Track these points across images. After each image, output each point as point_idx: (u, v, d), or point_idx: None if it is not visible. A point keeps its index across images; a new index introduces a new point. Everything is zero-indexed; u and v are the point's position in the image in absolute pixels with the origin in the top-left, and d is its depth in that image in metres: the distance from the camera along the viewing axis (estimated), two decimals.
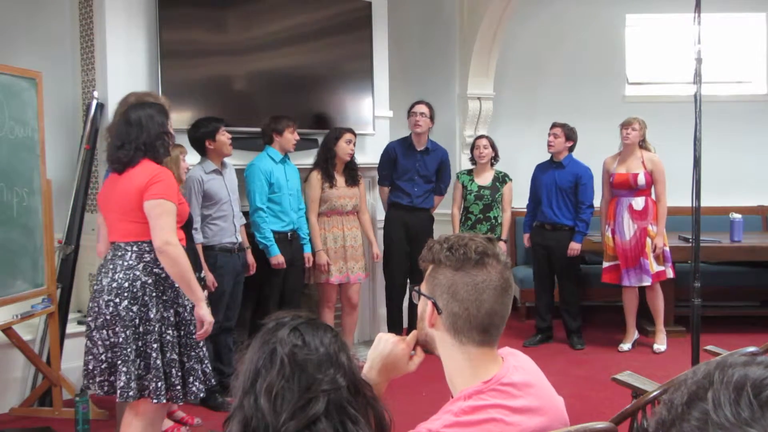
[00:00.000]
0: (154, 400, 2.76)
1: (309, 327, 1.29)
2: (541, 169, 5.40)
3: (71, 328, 4.26)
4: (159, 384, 2.75)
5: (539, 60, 6.61)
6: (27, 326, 4.13)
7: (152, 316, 2.76)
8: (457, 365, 1.41)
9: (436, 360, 1.48)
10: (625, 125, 5.06)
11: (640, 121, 5.05)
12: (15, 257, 3.74)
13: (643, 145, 5.10)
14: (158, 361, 2.75)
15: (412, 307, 1.37)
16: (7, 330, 3.80)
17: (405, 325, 5.19)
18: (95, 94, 4.38)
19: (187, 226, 3.80)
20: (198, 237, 4.05)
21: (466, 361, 1.40)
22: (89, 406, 3.71)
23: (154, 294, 2.77)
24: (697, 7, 3.38)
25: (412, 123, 5.08)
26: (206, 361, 2.98)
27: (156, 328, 2.77)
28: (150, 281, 2.77)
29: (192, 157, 4.11)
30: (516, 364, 1.42)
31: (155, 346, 2.76)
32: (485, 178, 5.34)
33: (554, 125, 5.28)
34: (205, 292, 3.90)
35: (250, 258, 4.38)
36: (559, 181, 5.23)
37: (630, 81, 6.82)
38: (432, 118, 5.12)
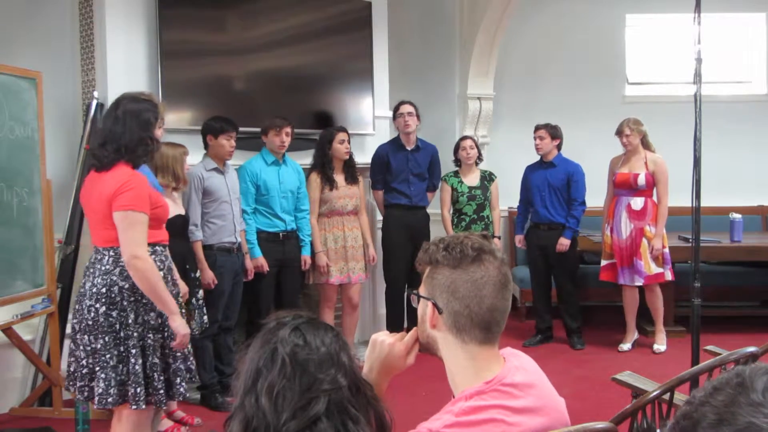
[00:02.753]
0: (133, 406, 2.71)
1: (310, 327, 1.29)
2: (531, 169, 5.41)
3: (71, 328, 4.25)
4: (138, 390, 2.70)
5: (539, 60, 6.61)
6: (27, 326, 4.13)
7: (131, 320, 2.71)
8: (459, 365, 1.41)
9: (436, 360, 1.48)
10: (619, 133, 5.06)
11: (629, 123, 5.03)
12: (15, 257, 3.74)
13: (646, 144, 5.10)
14: (137, 367, 2.70)
15: (412, 308, 1.37)
16: (7, 330, 3.80)
17: (405, 325, 5.18)
18: (95, 94, 4.38)
19: (180, 226, 3.81)
20: (198, 234, 4.05)
21: (469, 360, 1.40)
22: (89, 406, 3.71)
23: (132, 298, 2.72)
24: (697, 7, 3.38)
25: (402, 124, 5.09)
26: (191, 357, 2.94)
27: (136, 333, 2.72)
28: (126, 286, 2.72)
29: (194, 159, 4.11)
30: (518, 365, 1.42)
31: (134, 351, 2.71)
32: (473, 179, 5.34)
33: (537, 128, 5.29)
34: (202, 292, 3.92)
35: (248, 263, 4.37)
36: (552, 180, 5.23)
37: (630, 81, 6.82)
38: (418, 116, 5.13)
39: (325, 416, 1.20)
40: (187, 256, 3.90)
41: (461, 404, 1.32)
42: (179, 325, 2.77)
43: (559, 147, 5.29)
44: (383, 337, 1.54)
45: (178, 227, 3.75)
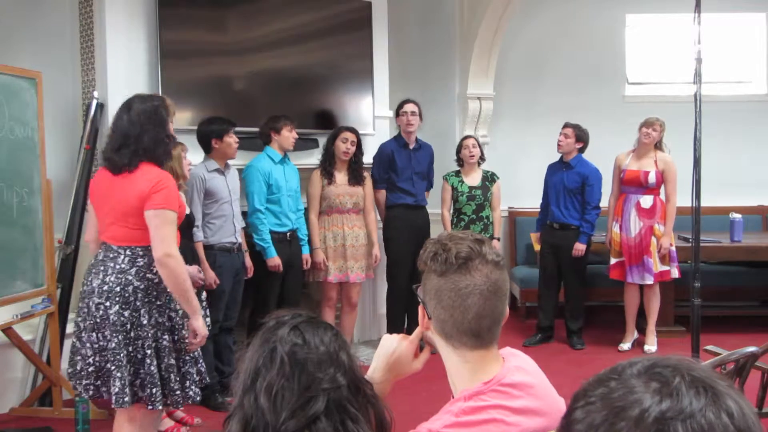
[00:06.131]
0: (149, 407, 2.71)
1: (309, 325, 1.29)
2: (551, 169, 5.41)
3: (71, 328, 4.21)
4: (154, 390, 2.70)
5: (539, 60, 6.61)
6: (27, 326, 4.13)
7: (144, 321, 2.71)
8: (455, 367, 1.41)
9: (436, 360, 1.48)
10: (647, 125, 5.05)
11: (662, 123, 5.06)
12: (15, 257, 3.74)
13: (658, 146, 5.10)
14: (152, 367, 2.70)
15: (413, 309, 1.38)
16: (7, 330, 3.80)
17: (404, 326, 5.16)
18: (95, 94, 4.38)
19: (184, 226, 3.81)
20: (199, 235, 4.05)
21: (463, 363, 1.39)
22: (89, 406, 3.71)
23: (146, 299, 2.72)
24: (697, 7, 3.38)
25: (405, 122, 5.09)
26: (200, 360, 2.94)
27: (150, 334, 2.72)
28: (142, 286, 2.72)
29: (193, 156, 4.11)
30: (517, 365, 1.41)
31: (149, 352, 2.70)
32: (474, 179, 5.32)
33: (566, 125, 5.27)
34: (205, 293, 3.92)
35: (248, 261, 4.37)
36: (567, 182, 5.23)
37: (630, 81, 6.81)
38: (421, 116, 5.14)
39: (324, 415, 1.20)
40: (187, 255, 3.89)
41: (460, 404, 1.32)
42: (200, 325, 2.79)
43: (581, 150, 5.28)
44: (393, 335, 1.54)
45: (183, 226, 3.75)
